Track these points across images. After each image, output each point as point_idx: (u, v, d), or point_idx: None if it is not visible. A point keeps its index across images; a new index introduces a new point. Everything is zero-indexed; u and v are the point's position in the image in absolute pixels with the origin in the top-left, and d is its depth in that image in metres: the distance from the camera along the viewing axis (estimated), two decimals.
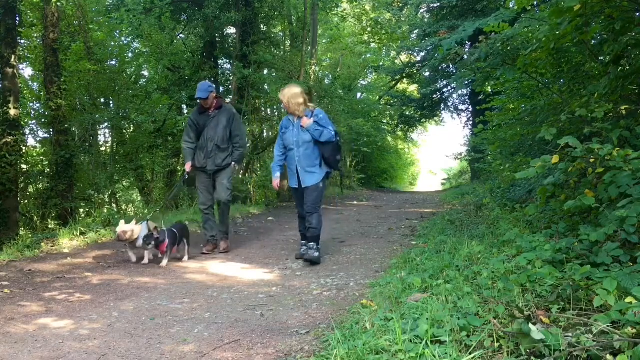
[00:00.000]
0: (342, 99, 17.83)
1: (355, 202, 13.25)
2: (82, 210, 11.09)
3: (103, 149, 13.30)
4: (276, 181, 5.08)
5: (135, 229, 4.77)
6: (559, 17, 3.75)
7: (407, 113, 23.63)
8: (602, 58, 4.59)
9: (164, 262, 4.73)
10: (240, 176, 12.10)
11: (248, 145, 12.80)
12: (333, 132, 4.69)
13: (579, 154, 3.14)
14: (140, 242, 4.72)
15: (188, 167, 5.41)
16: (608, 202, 3.02)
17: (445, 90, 20.46)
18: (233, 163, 5.45)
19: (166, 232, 4.77)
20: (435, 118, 24.96)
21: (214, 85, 5.23)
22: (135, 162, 11.89)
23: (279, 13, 13.34)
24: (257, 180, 12.63)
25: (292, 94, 4.72)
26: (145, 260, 4.85)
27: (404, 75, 22.29)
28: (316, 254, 4.66)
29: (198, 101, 5.46)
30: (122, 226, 4.77)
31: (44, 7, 10.43)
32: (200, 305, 3.35)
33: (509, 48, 5.21)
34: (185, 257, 4.99)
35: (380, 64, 23.12)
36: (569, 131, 4.22)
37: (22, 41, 12.08)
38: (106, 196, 12.16)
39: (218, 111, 5.40)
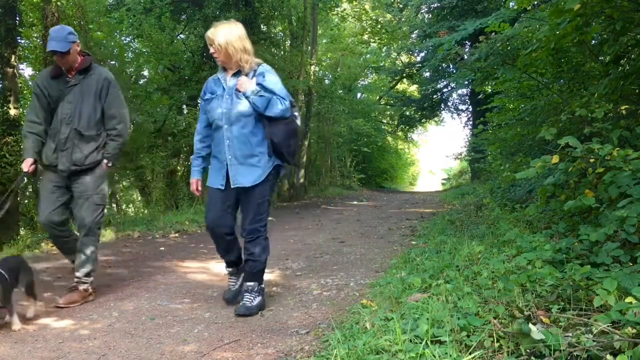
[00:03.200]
0: (342, 99, 17.85)
1: (355, 202, 13.25)
2: None
3: None
4: (195, 182, 3.27)
5: None
6: (559, 17, 3.75)
7: (407, 113, 23.66)
8: (602, 58, 4.59)
9: None
10: None
11: None
12: (287, 103, 3.06)
13: (579, 154, 3.14)
14: None
15: (27, 165, 3.37)
16: (608, 202, 3.03)
17: (445, 90, 20.48)
18: (105, 161, 3.50)
19: None
20: (435, 118, 25.00)
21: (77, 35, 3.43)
22: (135, 162, 11.89)
23: (279, 13, 13.35)
24: None
25: (233, 34, 3.00)
26: None
27: (404, 75, 22.31)
28: (254, 303, 3.08)
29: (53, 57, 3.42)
30: None
31: (44, 7, 10.42)
32: (200, 305, 3.35)
33: (509, 48, 5.22)
34: (30, 312, 3.02)
35: (381, 64, 23.13)
36: (569, 131, 4.23)
37: (22, 41, 12.07)
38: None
39: (83, 76, 3.44)
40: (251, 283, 3.14)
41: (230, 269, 3.37)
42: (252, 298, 3.11)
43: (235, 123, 3.03)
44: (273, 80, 3.07)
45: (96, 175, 3.48)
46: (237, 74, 3.09)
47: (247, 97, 2.99)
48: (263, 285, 3.23)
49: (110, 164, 3.54)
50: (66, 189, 3.47)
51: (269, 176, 3.11)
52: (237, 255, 3.31)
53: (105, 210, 3.64)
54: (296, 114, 3.20)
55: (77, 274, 3.44)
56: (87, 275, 3.45)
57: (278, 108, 3.01)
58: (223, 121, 3.04)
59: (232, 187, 3.07)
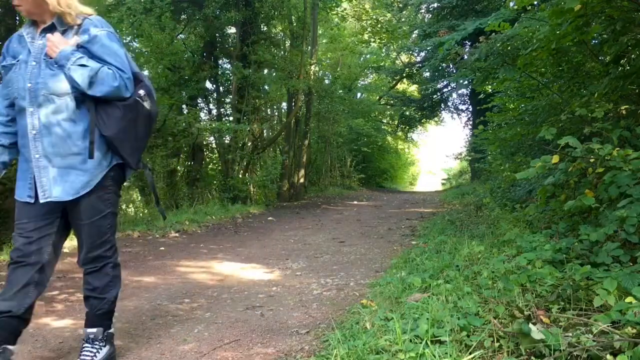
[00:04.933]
0: (342, 98, 17.83)
1: (355, 202, 13.25)
2: None
3: None
4: None
5: None
6: (560, 17, 3.75)
7: (407, 113, 23.68)
8: (602, 58, 4.59)
9: None
10: (240, 176, 12.08)
11: (247, 144, 12.78)
12: (127, 78, 2.12)
13: (579, 154, 3.14)
14: None
15: None
16: (608, 202, 3.03)
17: (445, 90, 20.50)
18: None
19: None
20: (435, 118, 25.02)
21: None
22: None
23: (279, 13, 13.34)
24: (257, 180, 12.64)
25: None
26: None
27: (404, 75, 22.33)
28: (97, 357, 2.22)
29: None
30: None
31: None
32: (200, 305, 3.35)
33: (509, 48, 5.21)
34: None
35: (381, 64, 23.15)
36: (569, 131, 4.23)
37: None
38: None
39: None
40: (93, 330, 2.24)
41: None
42: (94, 351, 2.21)
43: (44, 105, 2.04)
44: (105, 42, 2.09)
45: None
46: (51, 29, 2.08)
47: (61, 66, 2.02)
48: (112, 331, 2.32)
49: None
50: None
51: (105, 182, 2.16)
52: (28, 306, 2.09)
53: None
54: (142, 92, 2.20)
55: None
56: None
57: (110, 84, 2.05)
58: (27, 101, 2.04)
59: (42, 201, 2.08)
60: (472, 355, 1.85)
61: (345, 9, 15.85)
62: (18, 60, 2.09)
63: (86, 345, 2.24)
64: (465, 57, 5.82)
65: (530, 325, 1.79)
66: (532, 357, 1.76)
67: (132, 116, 2.15)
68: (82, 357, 2.22)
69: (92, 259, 2.22)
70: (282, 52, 14.26)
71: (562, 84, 5.52)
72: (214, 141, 13.07)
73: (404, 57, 23.41)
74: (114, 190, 2.23)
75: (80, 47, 2.07)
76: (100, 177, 2.15)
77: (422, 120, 24.75)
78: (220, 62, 13.46)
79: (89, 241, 2.18)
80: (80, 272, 2.32)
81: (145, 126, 2.24)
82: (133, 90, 2.17)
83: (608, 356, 1.63)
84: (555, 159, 3.17)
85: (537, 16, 4.93)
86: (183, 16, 12.65)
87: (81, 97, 2.08)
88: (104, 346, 2.27)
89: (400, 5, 18.92)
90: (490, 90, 8.68)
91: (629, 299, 1.99)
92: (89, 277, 2.26)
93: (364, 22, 16.60)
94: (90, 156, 2.09)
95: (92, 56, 2.07)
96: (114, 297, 2.29)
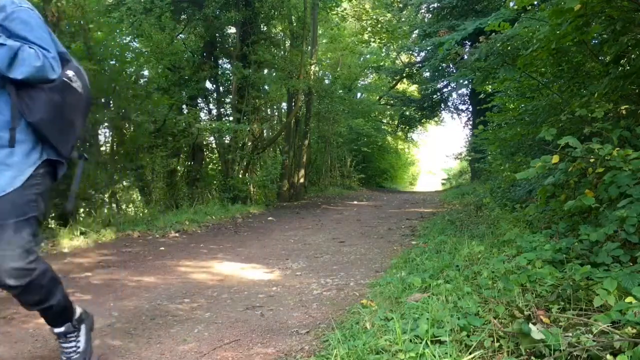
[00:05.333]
0: (342, 98, 17.84)
1: (355, 202, 13.25)
2: (82, 210, 11.09)
3: (103, 148, 13.31)
4: None
5: None
6: (560, 17, 3.75)
7: (407, 113, 23.70)
8: (602, 58, 4.59)
9: None
10: (240, 176, 12.08)
11: (247, 144, 12.78)
12: (52, 57, 1.91)
13: (579, 154, 3.14)
14: None
15: None
16: (608, 202, 3.03)
17: (445, 90, 20.52)
18: None
19: None
20: (435, 118, 25.05)
21: None
22: (135, 162, 11.91)
23: (279, 13, 13.35)
24: (257, 180, 12.64)
25: None
26: None
27: (404, 75, 22.34)
28: (80, 349, 2.16)
29: None
30: None
31: (43, 7, 10.43)
32: (200, 305, 3.35)
33: (509, 48, 5.21)
34: None
35: (381, 64, 23.16)
36: (569, 131, 4.23)
37: None
38: (106, 196, 12.17)
39: None
40: (60, 329, 2.13)
41: None
42: (71, 346, 2.14)
43: None
44: (25, 19, 1.89)
45: None
46: None
47: None
48: (77, 314, 2.20)
49: None
50: None
51: (32, 180, 1.94)
52: None
53: None
54: (70, 73, 2.01)
55: None
56: None
57: (32, 64, 1.84)
58: None
59: None
60: (472, 355, 1.85)
61: (345, 9, 15.85)
62: None
63: (60, 341, 2.15)
64: (465, 57, 5.83)
65: (530, 325, 1.79)
66: (532, 357, 1.76)
67: (60, 99, 1.95)
68: (64, 356, 2.15)
69: (15, 273, 1.86)
70: (282, 52, 14.26)
71: (562, 84, 5.52)
72: (214, 141, 13.07)
73: (404, 57, 23.42)
74: (42, 192, 1.99)
75: None
76: (29, 173, 1.93)
77: (422, 120, 24.77)
78: (220, 62, 13.47)
79: (6, 247, 1.85)
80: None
81: (77, 109, 2.03)
82: (60, 71, 1.96)
83: (608, 356, 1.63)
84: (555, 159, 3.17)
85: (537, 16, 4.93)
86: (183, 16, 12.66)
87: (0, 81, 1.87)
88: (78, 336, 2.17)
89: (400, 5, 18.92)
90: (490, 90, 8.68)
91: (629, 299, 1.99)
92: (21, 297, 1.96)
93: (364, 22, 16.61)
94: (11, 144, 1.87)
95: (11, 34, 1.85)
96: (62, 296, 2.08)
